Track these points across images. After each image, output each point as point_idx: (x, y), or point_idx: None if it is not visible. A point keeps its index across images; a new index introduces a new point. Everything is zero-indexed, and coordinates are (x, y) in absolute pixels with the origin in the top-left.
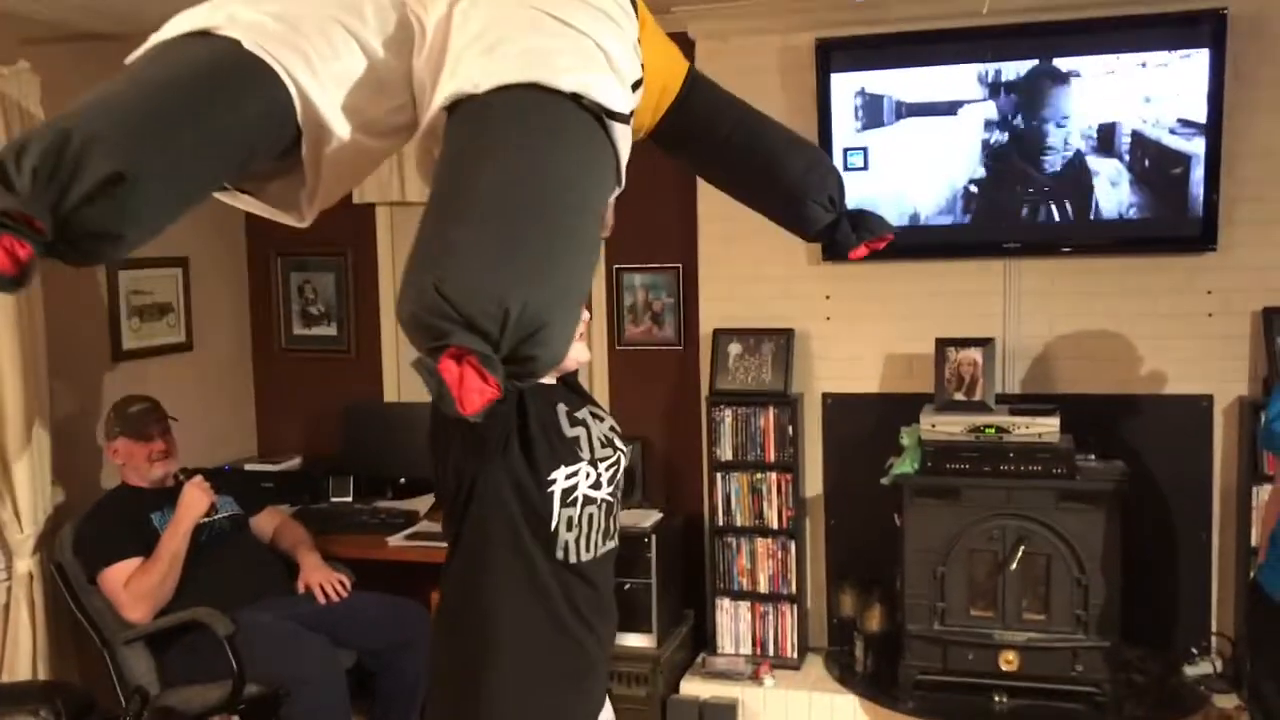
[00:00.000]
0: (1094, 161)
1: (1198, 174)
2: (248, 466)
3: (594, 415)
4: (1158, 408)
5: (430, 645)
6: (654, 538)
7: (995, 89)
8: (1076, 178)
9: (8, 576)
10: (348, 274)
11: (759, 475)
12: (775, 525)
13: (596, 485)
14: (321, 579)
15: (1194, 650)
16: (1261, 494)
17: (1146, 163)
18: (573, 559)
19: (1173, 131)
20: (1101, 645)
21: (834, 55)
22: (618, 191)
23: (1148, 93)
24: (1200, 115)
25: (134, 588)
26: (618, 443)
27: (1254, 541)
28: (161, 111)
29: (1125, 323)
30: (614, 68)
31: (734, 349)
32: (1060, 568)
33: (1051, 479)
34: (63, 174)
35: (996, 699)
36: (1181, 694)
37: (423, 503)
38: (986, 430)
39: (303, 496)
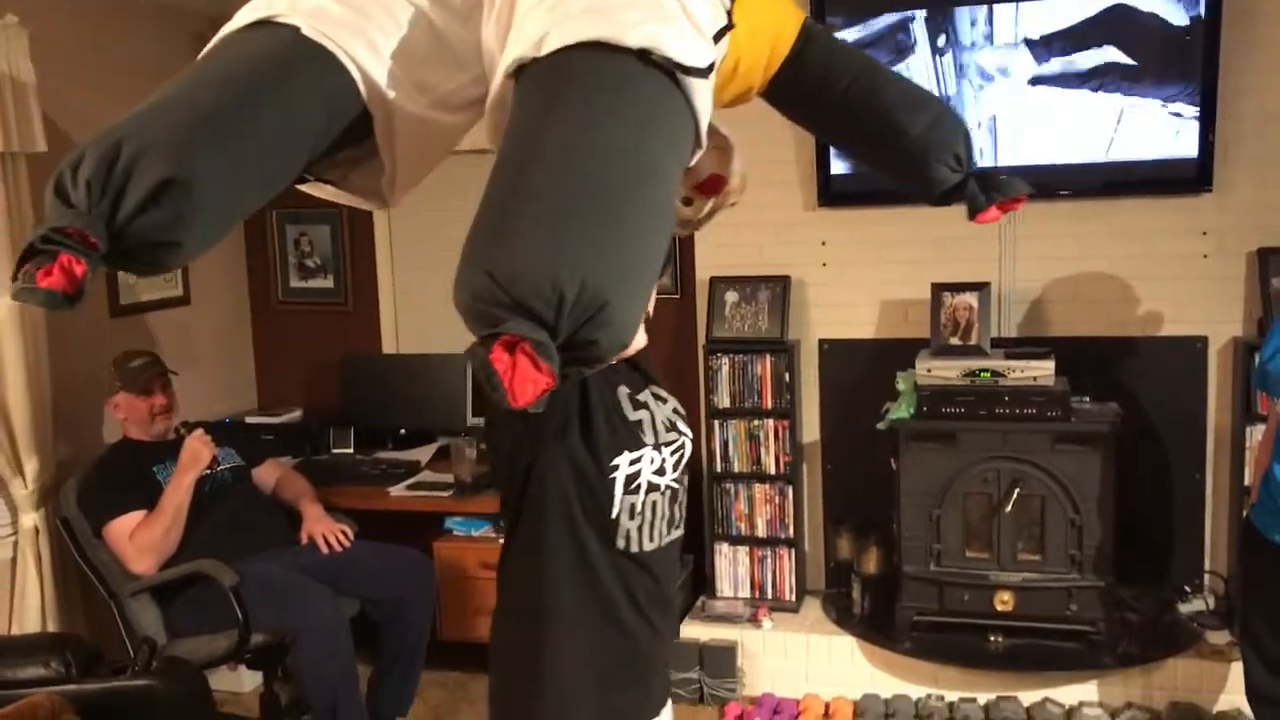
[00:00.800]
0: (1089, 102)
1: (1193, 114)
2: (248, 419)
3: (657, 397)
4: (1153, 349)
5: (491, 628)
6: None
7: (990, 33)
8: (1072, 118)
9: (14, 531)
10: (344, 226)
11: (756, 422)
12: (773, 471)
13: (660, 471)
14: (324, 529)
15: (1187, 588)
16: (1255, 434)
17: (1141, 102)
18: (634, 548)
19: (1167, 70)
20: (1096, 585)
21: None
22: (700, 154)
23: (1142, 31)
24: (1195, 54)
25: (139, 540)
26: (681, 426)
27: (1247, 481)
28: (216, 109)
29: (1120, 265)
30: (690, 18)
31: (731, 297)
32: (1055, 509)
33: (1046, 422)
34: (115, 184)
35: (992, 639)
36: (1175, 631)
37: (423, 453)
38: (982, 374)
39: (303, 448)
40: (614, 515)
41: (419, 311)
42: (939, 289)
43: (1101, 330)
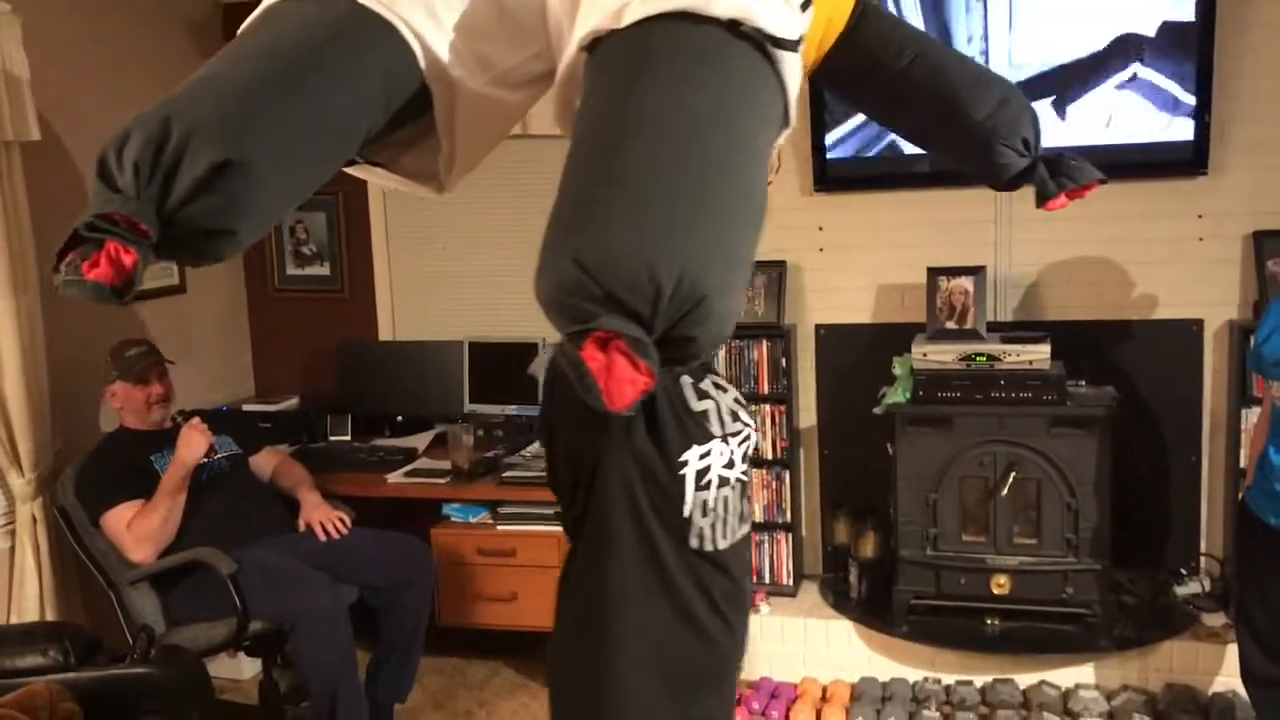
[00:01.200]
0: (1084, 85)
1: (1189, 97)
2: (245, 407)
3: (717, 386)
4: (1148, 332)
5: (550, 649)
6: None
7: (984, 12)
8: (1067, 101)
9: (12, 521)
10: (339, 213)
11: (753, 407)
12: (770, 456)
13: (730, 464)
14: (322, 517)
15: (1183, 571)
16: (1250, 417)
17: (1136, 86)
18: (708, 547)
19: (1163, 54)
20: (1092, 568)
21: None
22: (787, 132)
23: (1136, 13)
24: (1190, 36)
25: (136, 529)
26: (744, 416)
27: (1242, 463)
28: (268, 85)
29: (1116, 248)
30: None
31: None
32: (1051, 492)
33: (1042, 405)
34: (165, 167)
35: (989, 622)
36: (1171, 613)
37: (420, 440)
38: (978, 358)
39: (301, 436)
40: (686, 514)
41: (416, 298)
42: (935, 273)
43: (1097, 314)
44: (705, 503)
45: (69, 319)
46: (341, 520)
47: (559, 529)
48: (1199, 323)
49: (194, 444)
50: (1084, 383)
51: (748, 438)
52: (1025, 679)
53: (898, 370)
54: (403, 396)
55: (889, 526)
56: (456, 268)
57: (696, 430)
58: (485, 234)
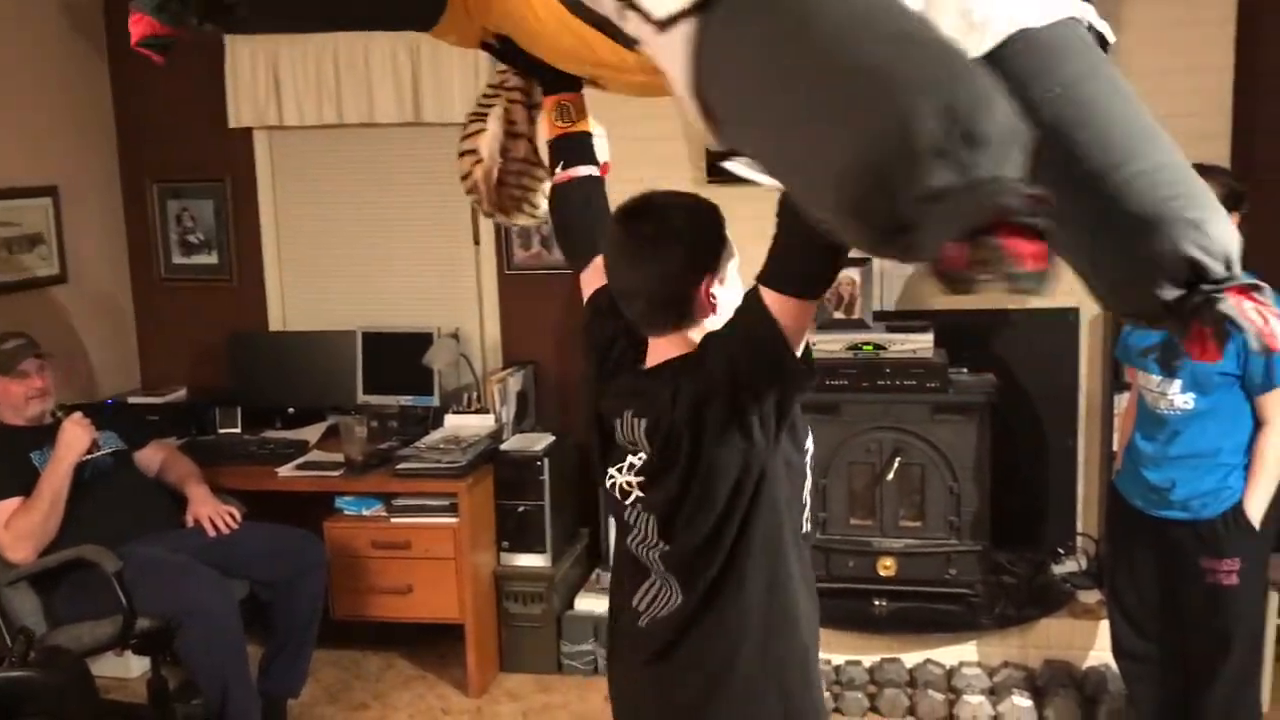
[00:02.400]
0: None
1: None
2: (131, 399)
3: None
4: (1027, 321)
5: (711, 663)
6: (546, 460)
7: None
8: None
9: None
10: (227, 201)
11: None
12: None
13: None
14: (210, 511)
15: (1061, 550)
16: (1122, 402)
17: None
18: (811, 528)
19: None
20: (973, 549)
21: None
22: None
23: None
24: None
25: (15, 528)
26: None
27: (1115, 447)
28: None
29: None
30: None
31: None
32: (935, 477)
33: (926, 393)
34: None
35: (876, 603)
36: (1048, 592)
37: (312, 432)
38: (865, 347)
39: (189, 429)
40: (805, 500)
41: (307, 287)
42: None
43: (978, 303)
44: (811, 486)
45: None
46: (231, 515)
47: (454, 520)
48: (1075, 311)
49: (75, 440)
50: (965, 370)
51: None
52: (911, 658)
53: None
54: (294, 388)
55: None
56: (349, 256)
57: (802, 416)
58: (377, 222)
